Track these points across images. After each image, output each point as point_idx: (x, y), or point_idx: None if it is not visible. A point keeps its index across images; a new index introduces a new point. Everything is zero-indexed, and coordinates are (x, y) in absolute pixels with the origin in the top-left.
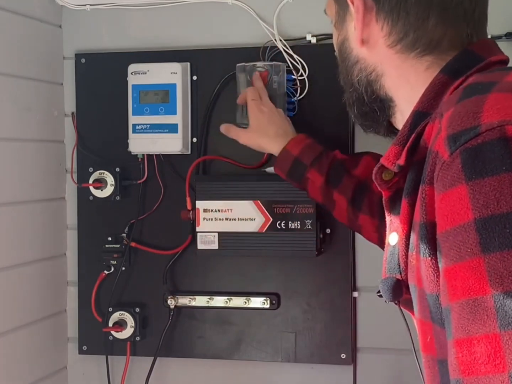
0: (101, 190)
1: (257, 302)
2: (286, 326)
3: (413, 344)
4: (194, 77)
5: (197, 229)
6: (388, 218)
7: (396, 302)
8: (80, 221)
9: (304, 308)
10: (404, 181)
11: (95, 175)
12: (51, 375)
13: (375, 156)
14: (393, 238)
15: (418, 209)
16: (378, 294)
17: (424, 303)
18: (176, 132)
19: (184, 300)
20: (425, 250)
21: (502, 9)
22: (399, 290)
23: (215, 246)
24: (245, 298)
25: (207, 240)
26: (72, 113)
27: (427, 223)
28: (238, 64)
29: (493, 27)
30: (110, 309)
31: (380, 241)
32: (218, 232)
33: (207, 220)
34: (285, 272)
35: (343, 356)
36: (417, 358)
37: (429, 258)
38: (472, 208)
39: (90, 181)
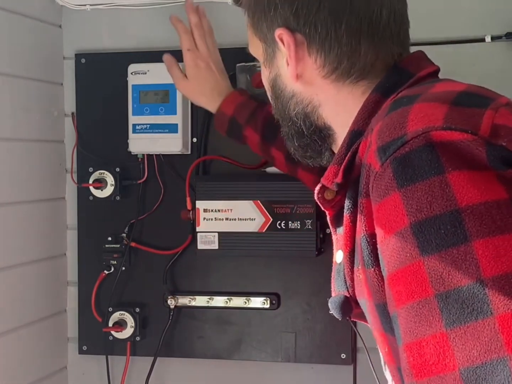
0: (101, 190)
1: (257, 302)
2: (286, 326)
3: (368, 355)
4: None
5: (197, 229)
6: (334, 236)
7: (347, 318)
8: (80, 221)
9: (304, 308)
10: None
11: (95, 175)
12: (51, 375)
13: None
14: (339, 256)
15: (359, 223)
16: (331, 312)
17: (374, 315)
18: (176, 132)
19: (184, 300)
20: (368, 262)
21: (502, 9)
22: (348, 307)
23: (215, 246)
24: (245, 298)
25: (207, 240)
26: (72, 113)
27: (368, 235)
28: (238, 64)
29: (493, 27)
30: (110, 309)
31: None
32: (218, 232)
33: (207, 220)
34: (285, 272)
35: (343, 356)
36: (373, 367)
37: (372, 269)
38: (407, 214)
39: (90, 181)
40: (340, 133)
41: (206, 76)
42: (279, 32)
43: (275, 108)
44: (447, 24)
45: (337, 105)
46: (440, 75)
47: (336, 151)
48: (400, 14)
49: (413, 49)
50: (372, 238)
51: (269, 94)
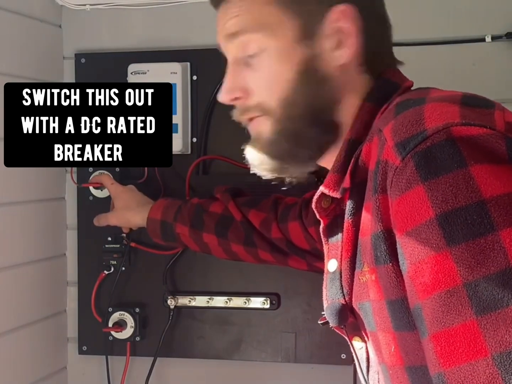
0: (101, 190)
1: (257, 302)
2: (286, 326)
3: (360, 366)
4: (194, 77)
5: None
6: (326, 246)
7: (342, 326)
8: (80, 221)
9: (304, 308)
10: (340, 208)
11: (95, 175)
12: (51, 375)
13: (228, 190)
14: (332, 265)
15: (367, 223)
16: (322, 322)
17: (383, 314)
18: (176, 132)
19: (184, 300)
20: (385, 257)
21: (502, 9)
22: (344, 314)
23: None
24: (245, 298)
25: None
26: None
27: (385, 231)
28: None
29: (493, 27)
30: (110, 309)
31: (256, 260)
32: None
33: None
34: (285, 272)
35: (343, 356)
36: (363, 376)
37: (390, 264)
38: (432, 206)
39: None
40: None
41: (131, 194)
42: (342, 8)
43: (296, 94)
44: (447, 24)
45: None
46: (440, 75)
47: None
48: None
49: (413, 48)
50: (389, 234)
51: (285, 78)
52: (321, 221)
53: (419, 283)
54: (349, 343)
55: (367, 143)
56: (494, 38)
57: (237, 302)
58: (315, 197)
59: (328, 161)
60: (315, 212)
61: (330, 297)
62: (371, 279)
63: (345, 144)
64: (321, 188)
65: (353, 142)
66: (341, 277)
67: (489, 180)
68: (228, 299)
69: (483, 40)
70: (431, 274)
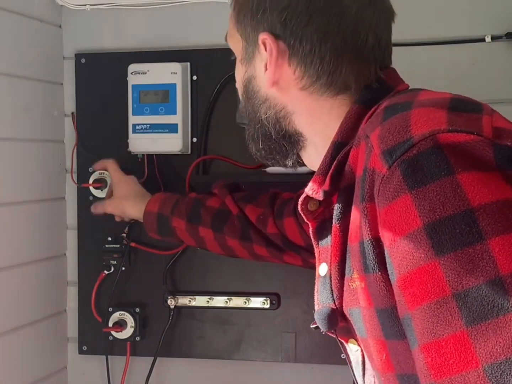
0: (101, 190)
1: (257, 302)
2: (286, 326)
3: (354, 369)
4: (194, 77)
5: None
6: (317, 250)
7: (333, 331)
8: (80, 221)
9: (304, 308)
10: (329, 212)
11: (95, 175)
12: (51, 375)
13: (226, 186)
14: (322, 268)
15: (356, 230)
16: (314, 326)
17: (374, 322)
18: (176, 132)
19: (184, 300)
20: (374, 266)
21: (502, 9)
22: (334, 319)
23: None
24: (245, 298)
25: None
26: (72, 113)
27: (373, 239)
28: None
29: (493, 27)
30: (110, 309)
31: (251, 256)
32: None
33: None
34: (285, 272)
35: (343, 356)
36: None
37: (379, 273)
38: (419, 215)
39: (90, 181)
40: (314, 141)
41: (131, 185)
42: (263, 37)
43: (244, 108)
44: (447, 24)
45: (311, 115)
46: (440, 75)
47: (304, 157)
48: (385, 40)
49: (413, 48)
50: (377, 243)
51: (240, 92)
52: (309, 224)
53: (408, 293)
54: (341, 346)
55: (354, 148)
56: (494, 38)
57: (237, 302)
58: (301, 199)
59: (310, 164)
60: (302, 214)
61: (321, 301)
62: (360, 286)
63: (332, 147)
64: (306, 190)
65: (339, 144)
66: (331, 281)
67: (477, 188)
68: (228, 299)
69: (483, 40)
70: (420, 284)
